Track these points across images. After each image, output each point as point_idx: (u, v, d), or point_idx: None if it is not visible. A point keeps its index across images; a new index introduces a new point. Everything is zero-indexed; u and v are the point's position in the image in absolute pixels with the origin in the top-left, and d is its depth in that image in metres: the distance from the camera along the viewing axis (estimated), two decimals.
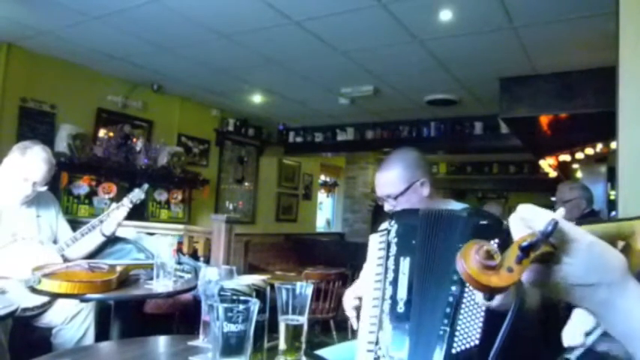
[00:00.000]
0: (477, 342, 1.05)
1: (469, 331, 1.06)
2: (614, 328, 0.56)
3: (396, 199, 1.57)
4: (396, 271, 1.21)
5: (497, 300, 1.01)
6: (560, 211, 0.60)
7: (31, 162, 2.15)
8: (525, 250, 0.54)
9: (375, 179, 1.66)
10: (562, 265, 0.55)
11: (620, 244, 0.64)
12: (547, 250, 0.55)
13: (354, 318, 1.43)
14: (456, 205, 1.58)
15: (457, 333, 1.07)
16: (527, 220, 0.58)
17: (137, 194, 2.38)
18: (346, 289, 1.67)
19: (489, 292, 0.55)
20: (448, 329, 1.07)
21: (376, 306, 1.22)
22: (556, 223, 0.53)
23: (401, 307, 1.17)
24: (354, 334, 1.37)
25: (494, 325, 0.97)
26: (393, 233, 1.28)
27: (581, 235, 0.56)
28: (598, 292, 0.55)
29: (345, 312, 1.52)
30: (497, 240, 1.10)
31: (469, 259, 0.55)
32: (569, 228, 0.56)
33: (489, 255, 0.55)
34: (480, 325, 1.06)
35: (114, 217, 2.33)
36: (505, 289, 0.54)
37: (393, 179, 1.58)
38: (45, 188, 2.23)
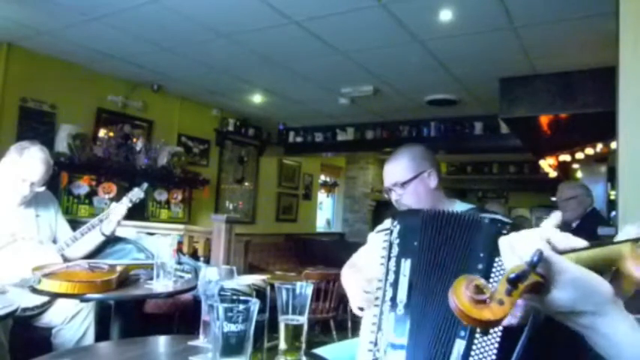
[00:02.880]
0: (494, 357, 1.03)
1: (486, 345, 1.04)
2: (601, 349, 0.59)
3: (403, 186, 1.57)
4: (397, 272, 1.20)
5: (519, 314, 0.99)
6: (555, 217, 0.61)
7: (28, 162, 2.15)
8: (513, 283, 0.55)
9: (383, 171, 1.67)
10: (550, 296, 0.57)
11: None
12: (536, 280, 0.56)
13: (357, 309, 1.41)
14: (461, 206, 1.57)
15: (474, 346, 1.04)
16: (514, 248, 0.60)
17: (137, 193, 2.38)
18: None
19: (483, 326, 0.56)
20: (465, 341, 1.05)
21: (377, 305, 1.22)
22: (541, 254, 0.55)
23: (400, 310, 1.16)
24: (354, 333, 1.37)
25: (512, 338, 0.96)
26: (395, 234, 1.26)
27: (567, 268, 0.57)
28: (583, 318, 0.58)
29: (348, 297, 1.49)
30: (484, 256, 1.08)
31: (460, 295, 0.56)
32: (555, 259, 0.57)
33: (479, 289, 0.56)
34: (498, 339, 1.04)
35: (113, 217, 2.32)
36: (498, 323, 0.55)
37: (401, 168, 1.60)
38: (43, 188, 2.23)
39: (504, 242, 0.62)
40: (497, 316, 0.54)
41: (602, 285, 0.58)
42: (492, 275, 1.06)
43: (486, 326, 0.56)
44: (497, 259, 1.07)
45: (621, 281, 0.60)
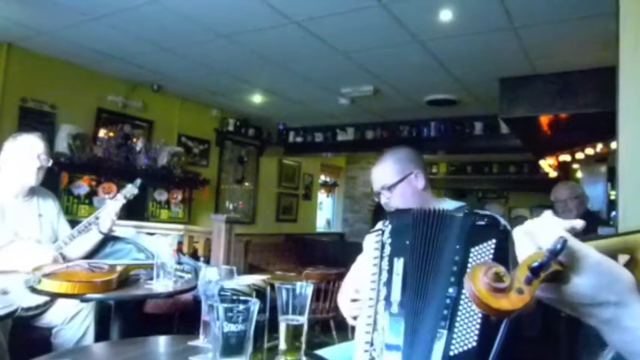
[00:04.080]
0: (475, 344, 1.04)
1: (467, 332, 1.06)
2: (620, 345, 0.56)
3: (390, 190, 1.61)
4: (390, 272, 1.21)
5: None
6: (548, 214, 0.60)
7: (26, 140, 2.18)
8: (535, 271, 0.53)
9: (371, 176, 1.70)
10: (570, 284, 0.55)
11: (625, 257, 0.63)
12: (556, 269, 0.54)
13: (351, 319, 1.43)
14: (450, 204, 1.58)
15: (455, 335, 1.06)
16: (533, 236, 0.58)
17: (130, 189, 2.36)
18: None
19: (499, 315, 0.54)
20: (445, 331, 1.07)
21: (371, 306, 1.23)
22: (565, 241, 0.53)
23: (395, 309, 1.17)
24: (354, 334, 1.38)
25: (492, 325, 0.97)
26: (387, 234, 1.28)
27: (589, 254, 0.55)
28: (605, 311, 0.55)
29: (344, 316, 1.52)
30: (494, 241, 1.10)
31: (478, 282, 0.54)
32: (578, 246, 0.55)
33: (498, 277, 0.54)
34: (478, 326, 1.06)
35: (108, 213, 2.31)
36: (515, 312, 0.53)
37: (387, 171, 1.63)
38: (50, 162, 2.23)
39: (519, 231, 0.60)
40: (516, 306, 0.52)
41: (624, 272, 0.56)
42: (469, 265, 1.10)
43: (503, 315, 0.54)
44: (472, 250, 1.10)
45: (636, 271, 0.58)
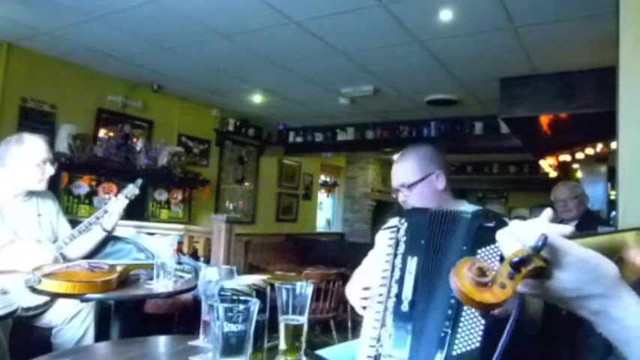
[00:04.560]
0: (479, 344, 1.04)
1: (471, 333, 1.06)
2: (610, 335, 0.58)
3: (410, 188, 1.58)
4: (403, 269, 1.22)
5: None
6: (547, 213, 0.61)
7: (34, 144, 2.18)
8: (516, 266, 0.54)
9: (391, 171, 1.67)
10: (554, 280, 0.56)
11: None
12: (539, 265, 0.55)
13: (361, 308, 1.40)
14: (468, 207, 1.56)
15: (458, 335, 1.06)
16: (517, 235, 0.59)
17: (131, 189, 2.37)
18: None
19: (483, 308, 0.56)
20: (449, 331, 1.07)
21: (381, 302, 1.23)
22: (546, 238, 0.54)
23: (405, 307, 1.17)
24: (354, 334, 1.38)
25: (496, 327, 0.97)
26: (402, 231, 1.28)
27: (573, 250, 0.56)
28: (592, 303, 0.57)
29: (351, 304, 1.49)
30: (493, 246, 1.10)
31: (462, 277, 0.56)
32: (560, 242, 0.56)
33: (482, 272, 0.56)
34: (482, 327, 1.06)
35: (114, 210, 2.31)
36: (499, 306, 0.55)
37: (408, 169, 1.60)
38: (55, 166, 2.25)
39: (505, 231, 0.61)
40: (499, 299, 0.54)
41: (609, 265, 0.57)
42: None
43: (486, 308, 0.56)
44: (478, 252, 1.11)
45: (623, 269, 0.59)
